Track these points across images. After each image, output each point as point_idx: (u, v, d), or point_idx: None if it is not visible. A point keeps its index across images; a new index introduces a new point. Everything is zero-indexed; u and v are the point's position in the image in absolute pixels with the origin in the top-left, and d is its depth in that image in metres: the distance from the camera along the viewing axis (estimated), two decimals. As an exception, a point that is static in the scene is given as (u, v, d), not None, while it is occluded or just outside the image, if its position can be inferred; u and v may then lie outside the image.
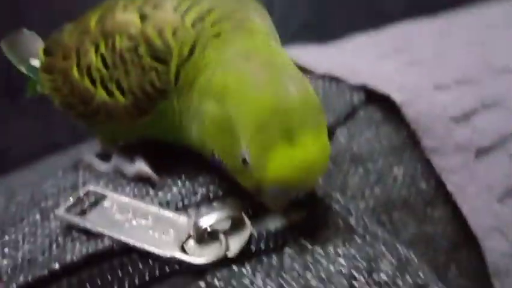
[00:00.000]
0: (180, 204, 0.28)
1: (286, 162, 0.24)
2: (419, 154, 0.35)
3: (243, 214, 0.26)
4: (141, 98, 0.28)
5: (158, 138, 0.32)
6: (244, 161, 0.25)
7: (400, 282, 0.25)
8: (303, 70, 0.33)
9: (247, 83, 0.25)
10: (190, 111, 0.28)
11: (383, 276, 0.25)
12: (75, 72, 0.30)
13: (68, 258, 0.25)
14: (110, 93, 0.29)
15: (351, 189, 0.33)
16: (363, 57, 0.43)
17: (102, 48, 0.29)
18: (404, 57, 0.42)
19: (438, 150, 0.35)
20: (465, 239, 0.34)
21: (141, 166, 0.30)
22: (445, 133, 0.35)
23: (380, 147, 0.35)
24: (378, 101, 0.37)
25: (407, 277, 0.25)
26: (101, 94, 0.29)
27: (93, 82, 0.30)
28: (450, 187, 0.34)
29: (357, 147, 0.35)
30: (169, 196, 0.28)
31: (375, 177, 0.34)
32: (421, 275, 0.25)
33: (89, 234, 0.27)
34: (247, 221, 0.26)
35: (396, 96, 0.36)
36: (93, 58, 0.29)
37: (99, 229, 0.26)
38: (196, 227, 0.25)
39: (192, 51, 0.27)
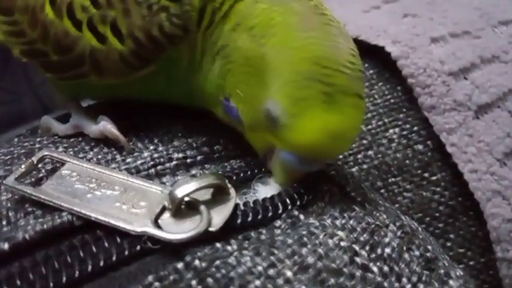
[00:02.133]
0: (153, 172, 0.24)
1: (318, 125, 0.21)
2: (415, 113, 0.33)
3: (227, 182, 0.23)
4: (145, 44, 0.24)
5: (144, 95, 0.27)
6: (268, 114, 0.22)
7: (407, 257, 0.22)
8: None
9: (295, 24, 0.22)
10: (213, 50, 0.24)
11: (388, 250, 0.22)
12: (48, 11, 0.25)
13: (20, 236, 0.21)
14: (101, 38, 0.24)
15: (343, 153, 0.31)
16: (351, 8, 0.40)
17: None
18: (395, 9, 0.39)
19: (437, 108, 0.33)
20: (464, 205, 0.32)
21: (106, 125, 0.26)
22: (443, 89, 0.33)
23: (373, 107, 0.33)
24: (371, 57, 0.35)
25: (415, 250, 0.22)
26: (88, 40, 0.25)
27: (77, 24, 0.25)
28: (449, 148, 0.32)
29: None
30: (139, 162, 0.25)
31: (369, 140, 0.32)
32: (429, 247, 0.22)
33: (45, 208, 0.23)
34: (232, 191, 0.23)
35: (392, 49, 0.33)
36: None
37: (56, 201, 0.22)
38: (172, 197, 0.22)
39: None
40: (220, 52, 0.23)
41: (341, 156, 0.32)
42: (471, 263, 0.31)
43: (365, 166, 0.31)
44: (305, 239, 0.21)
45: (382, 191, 0.31)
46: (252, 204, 0.23)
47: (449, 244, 0.31)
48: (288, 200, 0.23)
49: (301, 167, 0.23)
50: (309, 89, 0.21)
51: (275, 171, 0.24)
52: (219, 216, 0.22)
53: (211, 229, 0.21)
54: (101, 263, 0.21)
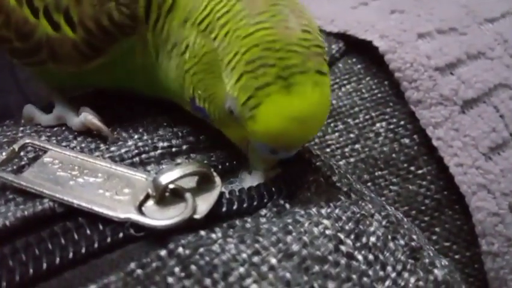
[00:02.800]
0: (137, 160, 0.24)
1: (280, 112, 0.20)
2: (402, 108, 0.33)
3: (212, 170, 0.22)
4: (96, 33, 0.24)
5: (113, 85, 0.27)
6: (230, 111, 0.21)
7: (392, 245, 0.22)
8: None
9: (242, 11, 0.21)
10: (167, 48, 0.23)
11: (373, 239, 0.22)
12: None
13: (0, 223, 0.21)
14: (56, 26, 0.24)
15: (330, 147, 0.31)
16: (339, 4, 0.40)
17: None
18: (383, 5, 0.39)
19: (423, 103, 0.33)
20: (449, 199, 0.32)
21: (88, 117, 0.25)
22: (430, 84, 0.33)
23: (361, 101, 0.33)
24: (359, 52, 0.35)
25: (399, 240, 0.22)
26: (44, 27, 0.24)
27: (34, 12, 0.25)
28: (435, 142, 0.32)
29: (336, 101, 0.33)
30: (123, 150, 0.24)
31: (356, 134, 0.32)
32: (414, 237, 0.22)
33: (26, 195, 0.22)
34: (217, 179, 0.22)
35: (379, 44, 0.34)
36: None
37: (38, 188, 0.22)
38: (156, 184, 0.21)
39: None
40: (174, 50, 0.23)
41: (328, 150, 0.32)
42: (456, 256, 0.31)
43: (352, 159, 0.31)
44: (290, 227, 0.21)
45: (369, 184, 0.31)
46: (237, 193, 0.23)
47: (434, 238, 0.31)
48: (273, 189, 0.23)
49: (274, 155, 0.22)
50: (264, 77, 0.20)
51: (252, 161, 0.24)
52: (203, 204, 0.21)
53: (196, 216, 0.21)
54: (83, 250, 0.20)
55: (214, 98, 0.22)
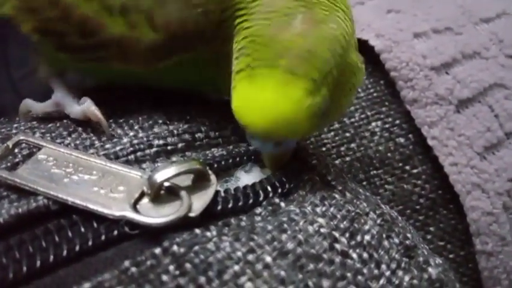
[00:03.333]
0: (132, 158, 0.24)
1: (244, 98, 0.21)
2: (397, 107, 0.33)
3: (208, 169, 0.22)
4: (179, 37, 0.24)
5: (148, 83, 0.27)
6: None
7: (386, 244, 0.22)
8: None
9: (257, 9, 0.23)
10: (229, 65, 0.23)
11: (367, 237, 0.22)
12: None
13: (-7, 220, 0.21)
14: (132, 26, 0.24)
15: (326, 146, 0.31)
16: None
17: None
18: (379, 4, 0.39)
19: (419, 102, 0.33)
20: (444, 198, 0.32)
21: (90, 106, 0.25)
22: (425, 83, 0.33)
23: (356, 100, 0.33)
24: None
25: (394, 238, 0.22)
26: (117, 26, 0.24)
27: (107, 9, 0.24)
28: (430, 141, 0.32)
29: None
30: (118, 148, 0.24)
31: (351, 133, 0.32)
32: (408, 235, 0.22)
33: (20, 192, 0.22)
34: (213, 177, 0.22)
35: (375, 43, 0.34)
36: None
37: (32, 185, 0.22)
38: (151, 182, 0.21)
39: None
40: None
41: (323, 149, 0.32)
42: (451, 255, 0.31)
43: (347, 158, 0.31)
44: (285, 225, 0.21)
45: (364, 183, 0.31)
46: (232, 191, 0.22)
47: (429, 237, 0.31)
48: (269, 188, 0.23)
49: (252, 142, 0.23)
50: (240, 64, 0.21)
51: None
52: (199, 202, 0.21)
53: (191, 214, 0.21)
54: (77, 248, 0.20)
55: None
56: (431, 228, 0.32)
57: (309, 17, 0.22)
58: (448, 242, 0.32)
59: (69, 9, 0.24)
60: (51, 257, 0.20)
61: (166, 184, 0.21)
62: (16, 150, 0.24)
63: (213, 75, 0.25)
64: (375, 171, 0.32)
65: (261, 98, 0.21)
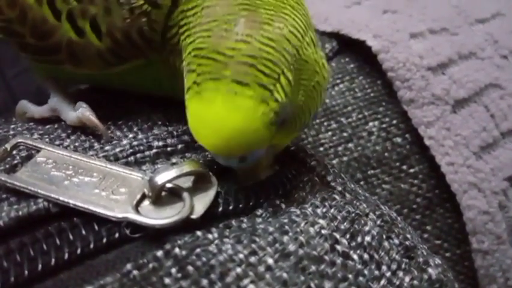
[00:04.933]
0: (132, 159, 0.24)
1: (195, 116, 0.21)
2: (394, 107, 0.34)
3: (208, 170, 0.22)
4: (123, 44, 0.24)
5: (123, 86, 0.27)
6: None
7: (386, 245, 0.22)
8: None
9: (199, 21, 0.22)
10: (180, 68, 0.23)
11: (368, 238, 0.22)
12: None
13: (-7, 223, 0.21)
14: (80, 32, 0.24)
15: (323, 146, 0.31)
16: (333, 3, 0.40)
17: None
18: (375, 5, 0.40)
19: (415, 102, 0.33)
20: (441, 197, 0.32)
21: (84, 112, 0.25)
22: (422, 84, 0.33)
23: (354, 100, 0.33)
24: (352, 51, 0.35)
25: (394, 239, 0.22)
26: (66, 31, 0.24)
27: (56, 13, 0.24)
28: (427, 141, 0.32)
29: (329, 100, 0.33)
30: (117, 149, 0.24)
31: (349, 133, 0.32)
32: (408, 236, 0.23)
33: (20, 195, 0.22)
34: (213, 179, 0.22)
35: (372, 43, 0.34)
36: None
37: (32, 188, 0.22)
38: (152, 184, 0.21)
39: None
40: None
41: (321, 149, 0.32)
42: (447, 254, 0.32)
43: (345, 158, 0.32)
44: (286, 227, 0.21)
45: (362, 182, 0.31)
46: (233, 193, 0.23)
47: (426, 236, 0.32)
48: (269, 189, 0.23)
49: (218, 159, 0.22)
50: (188, 82, 0.21)
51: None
52: (200, 204, 0.21)
53: (192, 216, 0.21)
54: (78, 251, 0.20)
55: None
56: (428, 227, 0.32)
57: (252, 19, 0.21)
58: (444, 241, 0.32)
59: (25, 10, 0.25)
60: (53, 260, 0.20)
61: (169, 186, 0.21)
62: (14, 152, 0.24)
63: (173, 83, 0.24)
64: (372, 171, 0.32)
65: (211, 114, 0.20)
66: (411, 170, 0.32)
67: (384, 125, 0.33)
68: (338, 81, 0.34)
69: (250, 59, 0.20)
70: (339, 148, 0.32)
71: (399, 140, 0.33)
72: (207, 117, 0.20)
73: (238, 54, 0.20)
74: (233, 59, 0.20)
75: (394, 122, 0.33)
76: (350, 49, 0.35)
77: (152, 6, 0.23)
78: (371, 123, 0.33)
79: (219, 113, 0.20)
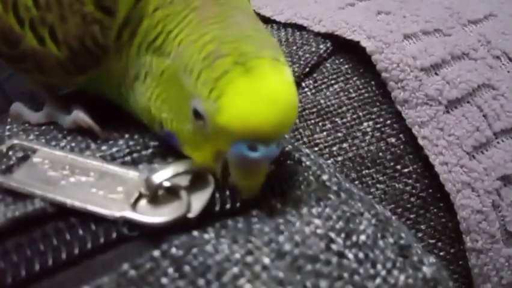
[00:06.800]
0: (128, 159, 0.24)
1: (245, 97, 0.19)
2: (388, 107, 0.34)
3: (205, 169, 0.23)
4: (80, 53, 0.23)
5: (101, 93, 0.27)
6: (196, 113, 0.20)
7: (381, 244, 0.22)
8: (263, 20, 0.30)
9: (192, 19, 0.21)
10: (129, 78, 0.23)
11: (363, 237, 0.22)
12: None
13: (-10, 224, 0.21)
14: (41, 40, 0.24)
15: (318, 146, 0.31)
16: (326, 4, 0.40)
17: None
18: (369, 6, 0.40)
19: (409, 102, 0.33)
20: (435, 196, 0.32)
21: (79, 115, 0.25)
22: (416, 84, 0.34)
23: (348, 101, 0.34)
24: (346, 52, 0.35)
25: (389, 238, 0.23)
26: (30, 39, 0.24)
27: (20, 22, 0.24)
28: (421, 141, 0.32)
29: (324, 100, 0.33)
30: (114, 149, 0.24)
31: (343, 133, 0.32)
32: (403, 235, 0.23)
33: (17, 195, 0.22)
34: (210, 177, 0.22)
35: (366, 44, 0.34)
36: None
37: (29, 188, 0.22)
38: (149, 182, 0.21)
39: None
40: (136, 81, 0.23)
41: (316, 149, 0.32)
42: (441, 253, 0.32)
43: (339, 158, 0.32)
44: (282, 226, 0.22)
45: (356, 182, 0.31)
46: (229, 192, 0.23)
47: (420, 235, 0.32)
48: (265, 189, 0.23)
49: (254, 156, 0.20)
50: (221, 66, 0.20)
51: (236, 181, 0.21)
52: (197, 203, 0.21)
53: (189, 215, 0.21)
54: (76, 251, 0.20)
55: (179, 113, 0.22)
56: (422, 227, 0.32)
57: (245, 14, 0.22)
58: (438, 240, 0.32)
59: None
60: (50, 261, 0.20)
61: (166, 184, 0.22)
62: (10, 153, 0.24)
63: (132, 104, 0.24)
64: (367, 171, 0.32)
65: (267, 89, 0.19)
66: (406, 170, 0.33)
67: (378, 125, 0.33)
68: (333, 81, 0.34)
69: (272, 40, 0.21)
70: (334, 148, 0.32)
71: (393, 140, 0.33)
72: (264, 92, 0.19)
73: (264, 38, 0.21)
74: (263, 42, 0.21)
75: (388, 122, 0.33)
76: (344, 50, 0.35)
77: (104, 13, 0.23)
78: (365, 124, 0.33)
79: (275, 86, 0.20)
